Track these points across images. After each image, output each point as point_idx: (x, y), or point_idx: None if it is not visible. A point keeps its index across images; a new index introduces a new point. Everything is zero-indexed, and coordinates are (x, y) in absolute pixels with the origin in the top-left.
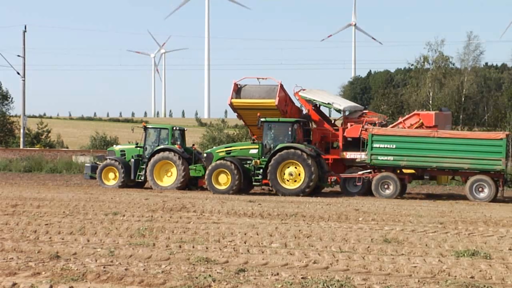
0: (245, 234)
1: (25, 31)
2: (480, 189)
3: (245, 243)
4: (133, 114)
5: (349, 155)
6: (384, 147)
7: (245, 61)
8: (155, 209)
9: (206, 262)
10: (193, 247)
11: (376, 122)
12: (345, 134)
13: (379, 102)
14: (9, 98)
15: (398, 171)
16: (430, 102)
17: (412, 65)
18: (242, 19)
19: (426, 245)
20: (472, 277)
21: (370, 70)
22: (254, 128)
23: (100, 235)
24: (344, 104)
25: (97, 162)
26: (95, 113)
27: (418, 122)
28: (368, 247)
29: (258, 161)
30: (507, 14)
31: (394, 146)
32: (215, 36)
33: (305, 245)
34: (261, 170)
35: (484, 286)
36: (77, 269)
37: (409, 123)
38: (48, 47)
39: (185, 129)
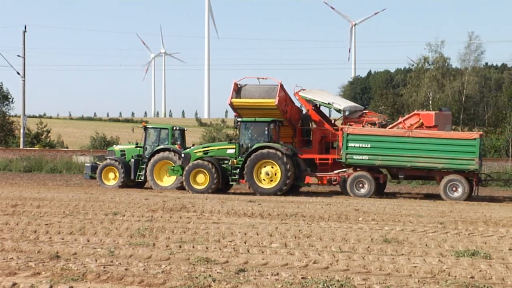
0: (245, 234)
1: (25, 31)
2: (454, 188)
3: (245, 243)
4: (133, 114)
5: None
6: (359, 147)
7: (245, 61)
8: (155, 209)
9: (206, 262)
10: (193, 247)
11: (376, 122)
12: None
13: (379, 102)
14: (10, 98)
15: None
16: (430, 102)
17: (412, 65)
18: (242, 19)
19: (426, 245)
20: (472, 277)
21: (370, 70)
22: None
23: (100, 235)
24: (344, 104)
25: (97, 162)
26: (95, 113)
27: (418, 122)
28: (368, 247)
29: (235, 160)
30: (507, 14)
31: (369, 146)
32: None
33: (305, 245)
34: (238, 170)
35: (484, 286)
36: (77, 269)
37: (409, 123)
38: (48, 47)
39: (185, 129)
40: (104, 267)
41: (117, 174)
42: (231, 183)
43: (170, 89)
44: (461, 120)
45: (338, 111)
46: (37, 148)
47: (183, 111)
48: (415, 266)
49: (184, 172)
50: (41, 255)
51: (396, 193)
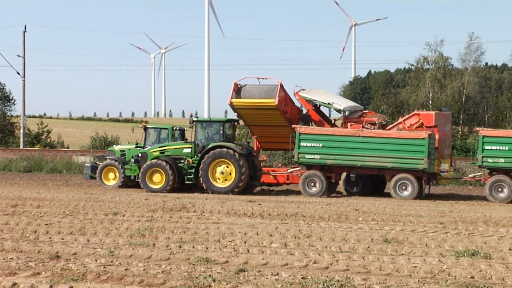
0: (245, 234)
1: (25, 31)
2: (403, 187)
3: (245, 243)
4: (133, 114)
5: None
6: (311, 146)
7: (245, 61)
8: (155, 209)
9: (206, 262)
10: (193, 247)
11: (376, 122)
12: None
13: (380, 102)
14: (12, 99)
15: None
16: (430, 102)
17: (412, 65)
18: (242, 19)
19: (426, 245)
20: (472, 277)
21: (370, 70)
22: (254, 128)
23: (100, 235)
24: (344, 104)
25: (97, 162)
26: (95, 113)
27: (418, 122)
28: (368, 247)
29: (190, 160)
30: (507, 14)
31: (321, 145)
32: (215, 36)
33: (305, 245)
34: (194, 169)
35: (484, 286)
36: (77, 269)
37: (409, 123)
38: (48, 47)
39: (185, 129)
40: (104, 267)
41: (117, 174)
42: (186, 182)
43: (170, 89)
44: (461, 120)
45: (338, 111)
46: (37, 148)
47: (183, 111)
48: (415, 266)
49: (140, 171)
50: (41, 255)
51: None
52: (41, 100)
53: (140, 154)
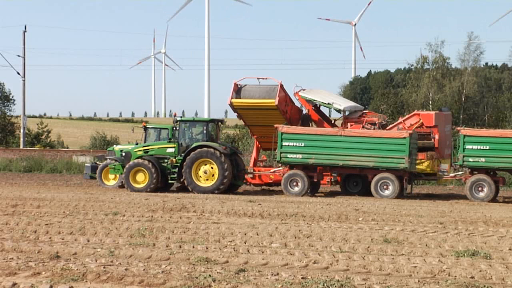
0: (245, 234)
1: (25, 31)
2: (385, 186)
3: (245, 243)
4: (133, 114)
5: None
6: (293, 145)
7: (245, 61)
8: (155, 209)
9: (206, 262)
10: (193, 247)
11: (376, 122)
12: None
13: (380, 102)
14: (12, 99)
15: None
16: (430, 102)
17: (411, 65)
18: (242, 19)
19: (426, 245)
20: (472, 277)
21: (370, 70)
22: (254, 128)
23: (100, 235)
24: (344, 104)
25: (97, 162)
26: (95, 113)
27: (418, 122)
28: (368, 247)
29: (174, 159)
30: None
31: (302, 144)
32: (215, 36)
33: (305, 245)
34: (177, 169)
35: (484, 286)
36: (77, 269)
37: (409, 123)
38: (48, 47)
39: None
40: (104, 267)
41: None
42: (170, 181)
43: (170, 89)
44: (461, 120)
45: (338, 111)
46: (37, 148)
47: (183, 111)
48: (415, 266)
49: (124, 171)
50: (41, 255)
51: None
52: (41, 100)
53: (124, 154)
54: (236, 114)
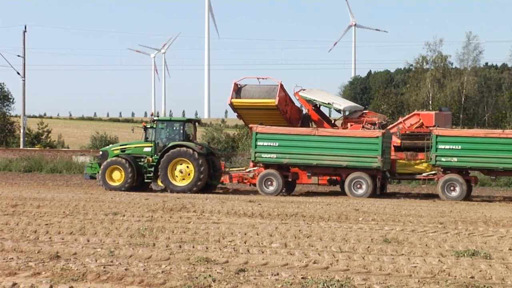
0: (245, 234)
1: (25, 31)
2: (358, 185)
3: (245, 243)
4: (133, 114)
5: None
6: (267, 145)
7: (245, 61)
8: (155, 209)
9: (206, 262)
10: (193, 247)
11: (376, 122)
12: None
13: (381, 101)
14: (11, 99)
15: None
16: (430, 102)
17: (411, 65)
18: (242, 19)
19: (426, 245)
20: (472, 277)
21: (370, 70)
22: None
23: (100, 235)
24: (344, 104)
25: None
26: (95, 113)
27: (418, 122)
28: (368, 247)
29: (150, 158)
30: (507, 14)
31: (277, 144)
32: (215, 36)
33: (305, 245)
34: (153, 168)
35: (484, 286)
36: (77, 269)
37: (409, 123)
38: (48, 47)
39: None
40: (104, 267)
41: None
42: (146, 180)
43: (170, 89)
44: (461, 120)
45: (338, 111)
46: (37, 148)
47: (183, 111)
48: (415, 266)
49: (101, 169)
50: (41, 255)
51: (396, 193)
52: (41, 100)
53: (101, 152)
54: (236, 114)
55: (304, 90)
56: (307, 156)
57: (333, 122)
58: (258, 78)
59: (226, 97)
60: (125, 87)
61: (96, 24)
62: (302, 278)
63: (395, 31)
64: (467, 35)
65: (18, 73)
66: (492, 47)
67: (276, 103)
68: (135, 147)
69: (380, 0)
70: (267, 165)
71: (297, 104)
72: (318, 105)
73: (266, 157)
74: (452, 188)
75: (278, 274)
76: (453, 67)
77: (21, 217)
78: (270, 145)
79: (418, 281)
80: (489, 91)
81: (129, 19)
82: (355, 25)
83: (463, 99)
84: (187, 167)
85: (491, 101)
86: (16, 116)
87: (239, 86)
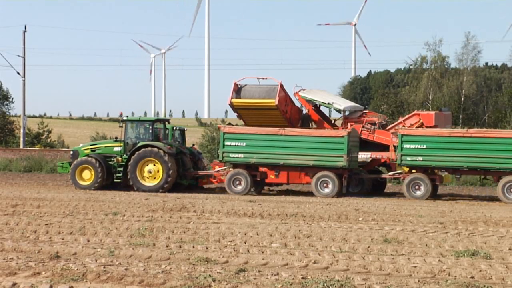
0: (245, 234)
1: (25, 31)
2: (324, 184)
3: (245, 243)
4: (133, 114)
5: None
6: (235, 145)
7: (245, 61)
8: (155, 209)
9: (206, 262)
10: (193, 247)
11: (376, 122)
12: None
13: (380, 101)
14: (10, 98)
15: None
16: (430, 102)
17: (410, 65)
18: (242, 19)
19: (426, 245)
20: (472, 277)
21: (370, 70)
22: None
23: (100, 235)
24: (344, 104)
25: None
26: (95, 113)
27: (418, 122)
28: (368, 247)
29: (120, 158)
30: (507, 14)
31: (244, 144)
32: (215, 36)
33: (305, 245)
34: (123, 167)
35: (484, 286)
36: (77, 269)
37: (409, 123)
38: (48, 47)
39: (185, 129)
40: (104, 267)
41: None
42: (115, 180)
43: (170, 89)
44: (461, 120)
45: (338, 111)
46: (37, 148)
47: (183, 111)
48: (415, 266)
49: (71, 168)
50: (41, 255)
51: (396, 193)
52: (41, 100)
53: (72, 152)
54: (236, 114)
55: (304, 90)
56: (274, 156)
57: (333, 122)
58: (258, 78)
59: (226, 97)
60: (125, 87)
61: (96, 24)
62: (302, 278)
63: (395, 31)
64: (466, 35)
65: (18, 73)
66: (492, 47)
67: (276, 103)
68: (105, 146)
69: (381, 0)
70: (235, 165)
71: (297, 104)
72: (318, 105)
73: (234, 157)
74: (417, 187)
75: (278, 274)
76: (452, 67)
77: (21, 217)
78: (237, 145)
79: (418, 281)
80: (488, 91)
81: (129, 19)
82: (355, 25)
83: (462, 99)
84: (155, 166)
85: (491, 101)
86: (16, 116)
87: (239, 86)
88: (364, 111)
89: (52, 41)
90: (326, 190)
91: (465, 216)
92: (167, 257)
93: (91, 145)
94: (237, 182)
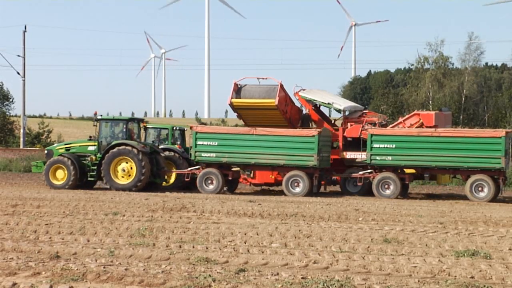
0: (245, 234)
1: (25, 31)
2: (295, 184)
3: (245, 243)
4: (133, 114)
5: (349, 155)
6: (207, 144)
7: (245, 61)
8: (155, 209)
9: (206, 262)
10: (193, 247)
11: (376, 122)
12: (345, 134)
13: (380, 101)
14: (10, 98)
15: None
16: (430, 102)
17: (412, 65)
18: (242, 19)
19: (426, 245)
20: (472, 277)
21: (370, 70)
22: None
23: (100, 235)
24: (344, 104)
25: None
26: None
27: (418, 122)
28: (368, 247)
29: (93, 157)
30: (507, 14)
31: (216, 144)
32: (215, 36)
33: (305, 245)
34: (96, 166)
35: (484, 286)
36: (77, 269)
37: (409, 123)
38: (48, 47)
39: (185, 129)
40: (104, 267)
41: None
42: (89, 179)
43: (170, 89)
44: (461, 120)
45: (338, 111)
46: (37, 148)
47: (183, 111)
48: (415, 266)
49: (44, 167)
50: (41, 255)
51: None
52: (41, 100)
53: (46, 151)
54: (236, 114)
55: (304, 90)
56: (245, 155)
57: (333, 122)
58: (258, 78)
59: (226, 97)
60: (125, 87)
61: (96, 24)
62: (302, 278)
63: (395, 31)
64: (469, 35)
65: (18, 73)
66: (492, 47)
67: (276, 103)
68: (80, 146)
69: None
70: (208, 164)
71: (297, 104)
72: (318, 105)
73: (206, 156)
74: (386, 186)
75: (278, 274)
76: (454, 67)
77: (21, 217)
78: (209, 145)
79: (418, 281)
80: (489, 91)
81: (129, 19)
82: (355, 24)
83: (463, 99)
84: (129, 165)
85: (491, 101)
86: (16, 116)
87: (239, 86)
88: (364, 111)
89: (52, 41)
90: (297, 190)
91: (465, 216)
92: (167, 257)
93: (65, 144)
94: (209, 181)
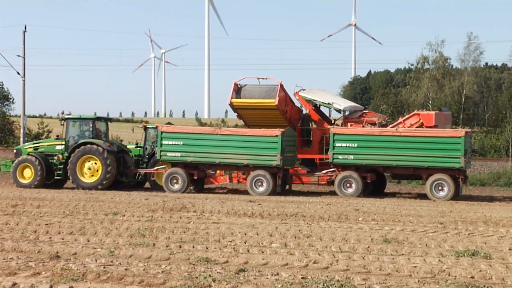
0: (245, 234)
1: (25, 31)
2: (259, 183)
3: (245, 243)
4: (133, 114)
5: None
6: (172, 144)
7: (245, 61)
8: (155, 209)
9: (206, 262)
10: (193, 247)
11: (376, 122)
12: None
13: (380, 101)
14: (10, 98)
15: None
16: (430, 102)
17: (412, 65)
18: (242, 19)
19: (426, 245)
20: (472, 277)
21: (370, 70)
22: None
23: (100, 235)
24: (344, 104)
25: None
26: (95, 113)
27: (418, 122)
28: (368, 247)
29: (60, 156)
30: (507, 14)
31: (181, 143)
32: (216, 36)
33: (305, 245)
34: (63, 165)
35: (484, 286)
36: (77, 269)
37: (409, 123)
38: (48, 47)
39: None
40: (104, 267)
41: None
42: (56, 177)
43: (170, 89)
44: (461, 120)
45: (338, 111)
46: None
47: (183, 111)
48: (415, 266)
49: (12, 166)
50: (41, 255)
51: (396, 193)
52: (41, 100)
53: (15, 150)
54: (236, 114)
55: (304, 90)
56: (210, 155)
57: (333, 122)
58: (258, 78)
59: (226, 97)
60: (125, 87)
61: (96, 24)
62: (302, 278)
63: (395, 31)
64: (468, 36)
65: (18, 73)
66: (492, 47)
67: (276, 103)
68: (48, 145)
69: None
70: (173, 164)
71: (297, 104)
72: (318, 105)
73: (171, 156)
74: (348, 184)
75: (278, 274)
76: (454, 67)
77: (21, 217)
78: (175, 144)
79: (418, 281)
80: (489, 91)
81: (129, 19)
82: (355, 25)
83: (463, 99)
84: (95, 164)
85: (491, 101)
86: (16, 116)
87: (239, 86)
88: (364, 111)
89: (52, 41)
90: (261, 189)
91: (465, 216)
92: (167, 257)
93: (34, 143)
94: (174, 181)
